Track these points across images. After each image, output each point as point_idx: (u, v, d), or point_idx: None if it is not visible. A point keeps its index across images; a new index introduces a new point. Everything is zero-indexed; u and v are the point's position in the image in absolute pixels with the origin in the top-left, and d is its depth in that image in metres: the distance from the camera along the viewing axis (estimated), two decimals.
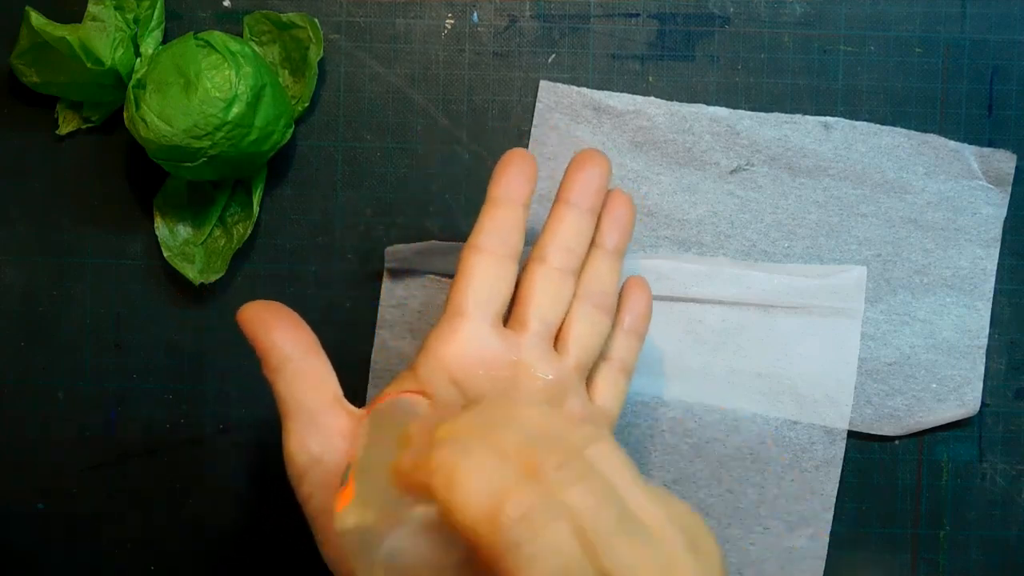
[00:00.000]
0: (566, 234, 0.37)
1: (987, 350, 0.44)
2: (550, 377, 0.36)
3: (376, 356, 0.44)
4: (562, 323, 0.37)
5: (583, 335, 0.37)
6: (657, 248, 0.44)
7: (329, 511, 0.33)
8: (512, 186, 0.37)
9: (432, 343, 0.36)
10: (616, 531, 0.26)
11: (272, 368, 0.34)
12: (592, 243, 0.38)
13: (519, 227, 0.37)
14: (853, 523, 0.45)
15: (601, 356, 0.39)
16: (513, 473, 0.26)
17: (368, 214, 0.44)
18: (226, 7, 0.44)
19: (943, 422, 0.44)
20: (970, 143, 0.44)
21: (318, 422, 0.34)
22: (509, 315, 0.37)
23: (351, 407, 0.35)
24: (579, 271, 0.38)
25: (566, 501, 0.26)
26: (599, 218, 0.38)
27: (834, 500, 0.44)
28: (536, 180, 0.37)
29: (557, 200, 0.38)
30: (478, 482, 0.26)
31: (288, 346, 0.34)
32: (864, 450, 0.44)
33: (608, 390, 0.38)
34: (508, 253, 0.36)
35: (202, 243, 0.44)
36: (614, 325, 0.39)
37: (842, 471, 0.44)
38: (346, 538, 0.30)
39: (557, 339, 0.37)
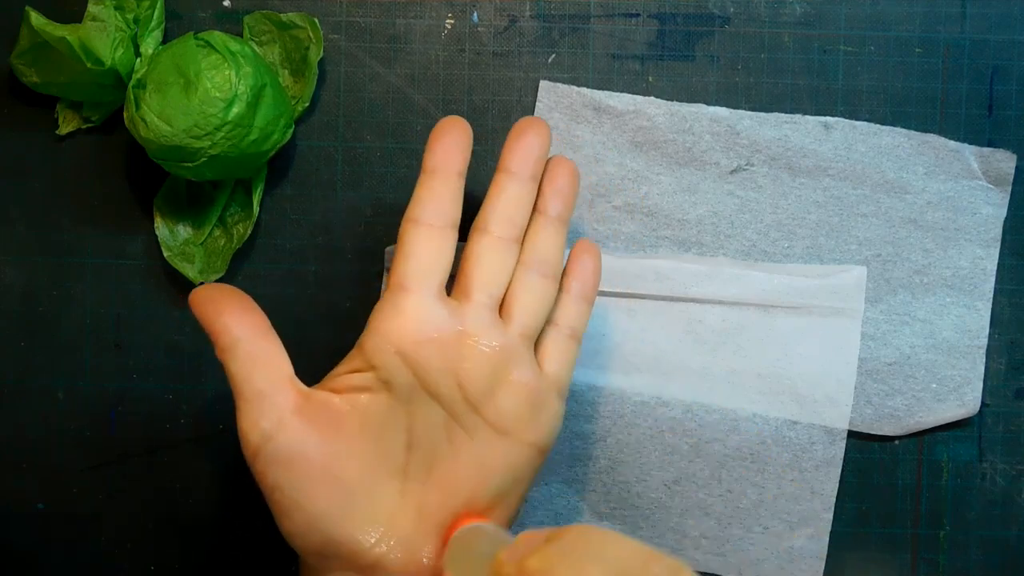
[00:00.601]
0: (507, 204, 0.38)
1: (987, 350, 0.44)
2: (495, 345, 0.36)
3: None
4: (506, 292, 0.38)
5: (528, 303, 0.37)
6: (657, 248, 0.44)
7: (283, 487, 0.34)
8: (447, 156, 0.37)
9: (376, 319, 0.36)
10: None
11: (223, 349, 0.35)
12: (535, 211, 0.39)
13: (456, 197, 0.37)
14: (853, 523, 0.45)
15: (550, 322, 0.39)
16: None
17: (368, 214, 0.44)
18: (226, 7, 0.44)
19: (943, 422, 0.44)
20: (970, 143, 0.44)
21: (269, 401, 0.35)
22: (452, 286, 0.38)
23: (303, 386, 0.36)
24: (521, 239, 0.38)
25: None
26: (540, 185, 0.39)
27: (834, 500, 0.44)
28: (470, 148, 0.37)
29: (498, 169, 0.38)
30: None
31: (238, 328, 0.35)
32: (864, 450, 0.44)
33: (558, 356, 0.38)
34: (446, 223, 0.37)
35: (202, 243, 0.44)
36: (562, 291, 0.39)
37: (842, 471, 0.44)
38: None
39: (502, 308, 0.38)
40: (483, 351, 0.36)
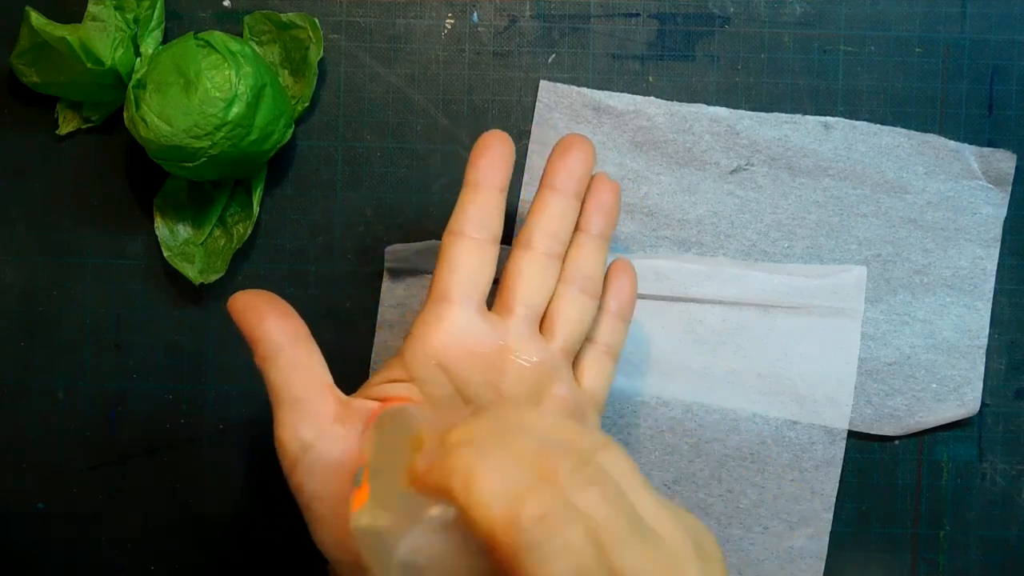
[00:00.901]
0: (550, 220, 0.38)
1: (987, 350, 0.44)
2: (535, 360, 0.36)
3: (376, 356, 0.44)
4: (548, 307, 0.38)
5: (569, 319, 0.38)
6: (657, 248, 0.44)
7: (322, 497, 0.33)
8: (490, 170, 0.37)
9: (418, 330, 0.36)
10: (628, 535, 0.27)
11: (264, 357, 0.34)
12: (577, 228, 0.39)
13: (498, 211, 0.37)
14: (853, 523, 0.44)
15: (588, 339, 0.39)
16: (529, 476, 0.27)
17: (368, 214, 0.44)
18: (226, 7, 0.44)
19: (943, 422, 0.44)
20: (970, 143, 0.44)
21: (309, 409, 0.34)
22: (494, 300, 0.38)
23: (342, 394, 0.35)
24: (564, 256, 0.38)
25: (580, 504, 0.26)
26: (584, 203, 0.39)
27: (834, 500, 0.44)
28: (513, 162, 0.37)
29: (541, 185, 0.38)
30: (496, 483, 0.26)
31: (279, 335, 0.34)
32: (864, 450, 0.44)
33: (595, 373, 0.39)
34: (489, 237, 0.37)
35: (202, 243, 0.44)
36: (600, 309, 0.39)
37: (842, 471, 0.44)
38: (361, 538, 0.30)
39: (543, 323, 0.38)
40: (523, 365, 0.36)
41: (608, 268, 0.40)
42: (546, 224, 0.38)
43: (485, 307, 0.37)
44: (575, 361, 0.39)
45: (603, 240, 0.39)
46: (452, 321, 0.36)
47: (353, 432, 0.34)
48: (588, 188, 0.39)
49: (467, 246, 0.36)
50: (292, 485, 0.34)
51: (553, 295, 0.38)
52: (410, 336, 0.36)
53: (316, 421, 0.34)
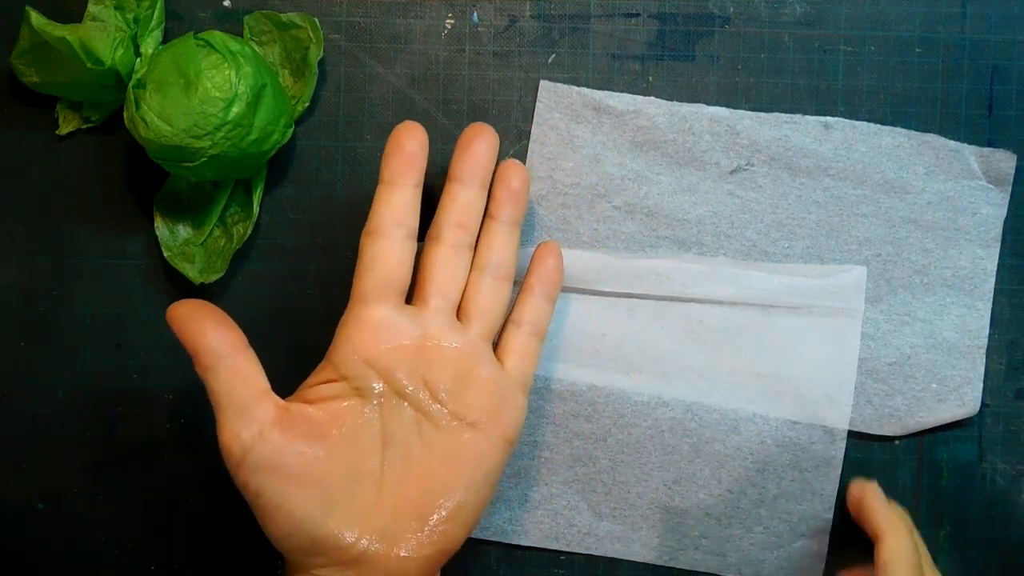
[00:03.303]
0: (457, 211, 0.39)
1: (987, 350, 0.44)
2: (456, 345, 0.39)
3: None
4: (463, 295, 0.40)
5: (483, 306, 0.40)
6: (657, 248, 0.44)
7: (267, 494, 0.36)
8: (401, 167, 0.38)
9: (342, 331, 0.38)
10: None
11: (205, 367, 0.36)
12: (487, 215, 0.40)
13: (412, 207, 0.39)
14: (853, 523, 0.44)
15: (512, 321, 0.41)
16: None
17: (368, 214, 0.44)
18: (226, 7, 0.44)
19: (943, 422, 0.44)
20: (970, 143, 0.44)
21: (249, 414, 0.36)
22: (413, 293, 0.40)
23: (279, 400, 0.37)
24: (474, 244, 0.40)
25: None
26: (492, 190, 0.40)
27: (834, 500, 0.44)
28: (426, 156, 0.39)
29: (448, 179, 0.40)
30: None
31: (220, 345, 0.36)
32: (864, 450, 0.44)
33: (520, 352, 0.41)
34: (404, 235, 0.38)
35: (202, 243, 0.44)
36: (525, 291, 0.41)
37: (842, 471, 0.44)
38: None
39: (459, 311, 0.40)
40: (445, 352, 0.38)
41: (535, 251, 0.42)
42: (453, 216, 0.39)
43: (403, 302, 0.39)
44: (501, 342, 0.41)
45: (512, 225, 0.40)
46: (372, 319, 0.38)
47: (291, 433, 0.36)
48: (495, 176, 0.40)
49: (382, 245, 0.38)
50: (238, 484, 0.37)
51: (467, 283, 0.40)
52: (336, 338, 0.38)
53: (256, 425, 0.36)
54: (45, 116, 0.44)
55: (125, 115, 0.40)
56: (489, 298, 0.40)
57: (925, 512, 0.45)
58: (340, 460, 0.37)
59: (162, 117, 0.39)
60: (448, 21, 0.44)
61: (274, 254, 0.44)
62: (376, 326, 0.38)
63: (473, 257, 0.40)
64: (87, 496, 0.45)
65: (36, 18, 0.40)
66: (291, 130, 0.42)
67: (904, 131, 0.44)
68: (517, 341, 0.41)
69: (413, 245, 0.39)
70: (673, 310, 0.44)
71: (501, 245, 0.40)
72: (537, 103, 0.44)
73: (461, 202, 0.39)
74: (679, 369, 0.44)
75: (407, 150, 0.38)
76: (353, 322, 0.38)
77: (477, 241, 0.40)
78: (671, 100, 0.44)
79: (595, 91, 0.44)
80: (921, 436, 0.45)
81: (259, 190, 0.43)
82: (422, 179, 0.39)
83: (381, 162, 0.39)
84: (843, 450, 0.44)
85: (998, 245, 0.44)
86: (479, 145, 0.40)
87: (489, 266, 0.40)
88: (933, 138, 0.44)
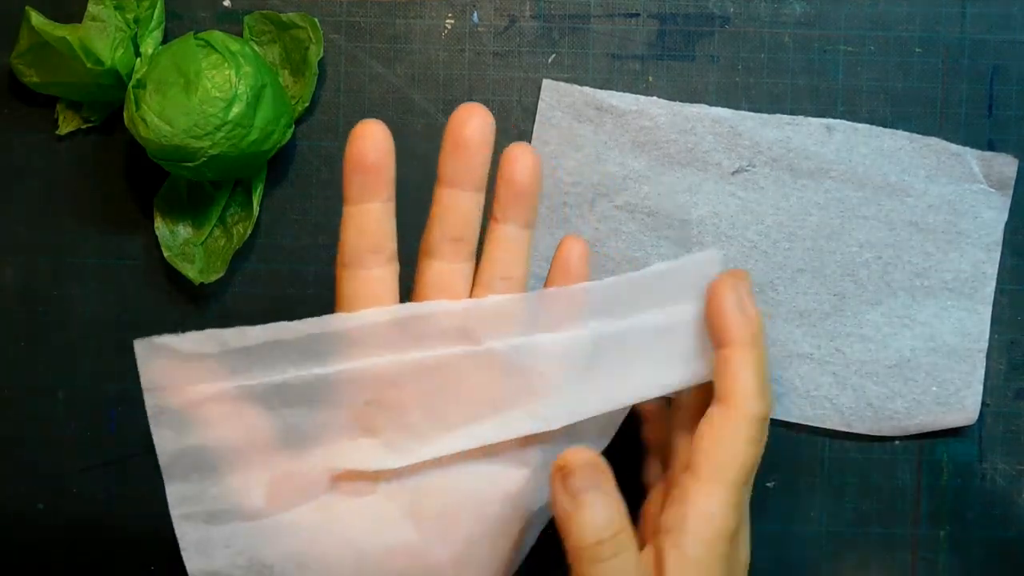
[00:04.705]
0: (451, 223, 0.34)
1: (987, 350, 0.44)
2: None
3: None
4: None
5: None
6: (658, 248, 0.44)
7: None
8: (368, 183, 0.33)
9: None
10: None
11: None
12: (491, 216, 0.35)
13: (388, 225, 0.33)
14: (853, 523, 0.45)
15: None
16: None
17: None
18: (226, 7, 0.44)
19: (943, 427, 0.44)
20: (970, 143, 0.44)
21: None
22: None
23: None
24: (475, 252, 0.35)
25: None
26: (496, 187, 0.34)
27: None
28: (393, 158, 0.33)
29: (438, 180, 0.34)
30: None
31: None
32: (864, 450, 0.45)
33: None
34: (384, 260, 0.34)
35: (202, 243, 0.44)
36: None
37: (842, 471, 0.44)
38: None
39: None
40: None
41: (557, 248, 0.36)
42: (448, 229, 0.34)
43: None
44: None
45: (520, 228, 0.34)
46: None
47: None
48: (500, 168, 0.34)
49: (363, 279, 0.34)
50: None
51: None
52: None
53: None
54: (45, 116, 0.44)
55: (125, 115, 0.40)
56: None
57: (925, 512, 0.45)
58: None
59: (162, 117, 0.39)
60: (448, 21, 0.44)
61: (274, 254, 0.44)
62: None
63: (476, 267, 0.35)
64: (87, 496, 0.45)
65: (36, 18, 0.40)
66: (291, 130, 0.42)
67: (906, 134, 0.44)
68: None
69: (396, 267, 0.34)
70: None
71: (508, 253, 0.34)
72: (539, 102, 0.44)
73: (455, 210, 0.34)
74: None
75: (370, 162, 0.32)
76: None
77: (481, 245, 0.35)
78: (671, 100, 0.44)
79: (597, 90, 0.44)
80: (921, 436, 0.45)
81: (259, 190, 0.43)
82: (393, 189, 0.33)
83: (343, 178, 0.33)
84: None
85: (999, 249, 0.44)
86: (471, 135, 0.33)
87: (495, 280, 0.34)
88: (935, 141, 0.44)
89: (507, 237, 0.35)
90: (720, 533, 0.33)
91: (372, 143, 0.33)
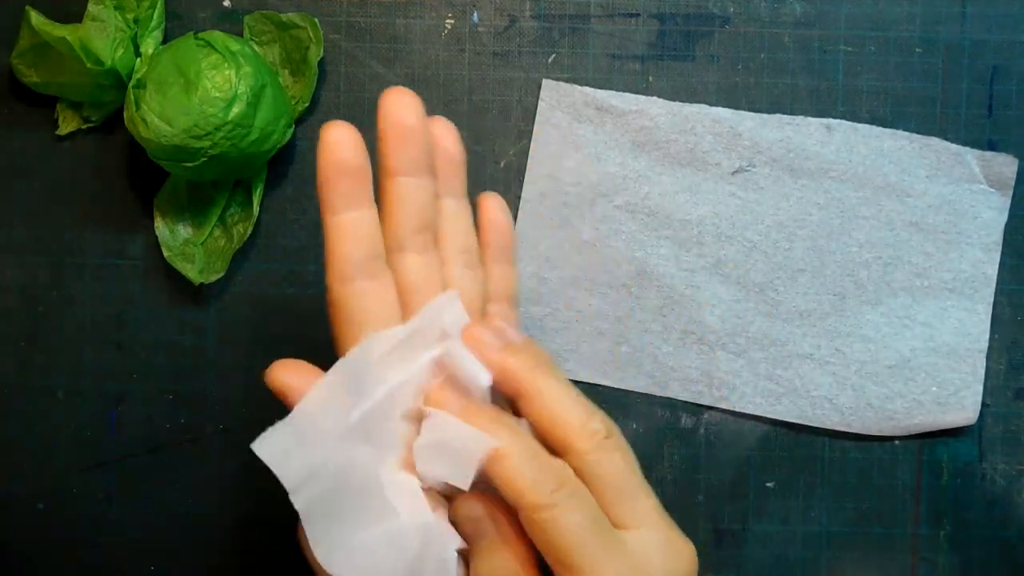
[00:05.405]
0: (414, 214, 0.33)
1: (987, 350, 0.44)
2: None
3: None
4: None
5: (465, 300, 0.34)
6: (658, 247, 0.44)
7: None
8: (353, 188, 0.31)
9: None
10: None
11: None
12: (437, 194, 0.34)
13: (371, 235, 0.32)
14: (853, 523, 0.45)
15: (489, 300, 0.36)
16: None
17: None
18: (226, 7, 0.44)
19: (943, 427, 0.44)
20: (970, 143, 0.44)
21: None
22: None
23: None
24: (434, 236, 0.34)
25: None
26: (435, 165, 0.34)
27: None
28: (368, 164, 0.31)
29: (386, 172, 0.32)
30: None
31: None
32: (864, 450, 0.45)
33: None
34: (383, 265, 0.32)
35: (202, 243, 0.44)
36: (483, 262, 0.36)
37: (842, 471, 0.44)
38: None
39: None
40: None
41: (478, 214, 0.36)
42: (411, 220, 0.33)
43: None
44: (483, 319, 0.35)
45: (463, 198, 0.35)
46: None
47: None
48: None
49: (366, 291, 0.32)
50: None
51: (444, 280, 0.34)
52: None
53: None
54: (45, 116, 0.44)
55: (125, 115, 0.40)
56: (467, 289, 0.34)
57: (925, 512, 0.45)
58: None
59: (162, 117, 0.39)
60: (448, 21, 0.44)
61: (274, 254, 0.44)
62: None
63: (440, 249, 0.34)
64: (87, 496, 0.45)
65: (36, 18, 0.40)
66: (291, 130, 0.42)
67: (906, 134, 0.44)
68: (497, 315, 0.35)
69: (387, 273, 0.32)
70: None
71: (458, 225, 0.34)
72: (539, 102, 0.44)
73: (414, 199, 0.32)
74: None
75: (352, 166, 0.31)
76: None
77: None
78: (671, 100, 0.44)
79: (597, 90, 0.44)
80: (921, 436, 0.45)
81: (259, 190, 0.43)
82: (373, 196, 0.32)
83: (322, 185, 0.31)
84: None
85: (999, 249, 0.44)
86: (415, 121, 0.32)
87: (458, 253, 0.34)
88: (935, 141, 0.44)
89: (450, 211, 0.34)
90: None
91: (350, 143, 0.31)
